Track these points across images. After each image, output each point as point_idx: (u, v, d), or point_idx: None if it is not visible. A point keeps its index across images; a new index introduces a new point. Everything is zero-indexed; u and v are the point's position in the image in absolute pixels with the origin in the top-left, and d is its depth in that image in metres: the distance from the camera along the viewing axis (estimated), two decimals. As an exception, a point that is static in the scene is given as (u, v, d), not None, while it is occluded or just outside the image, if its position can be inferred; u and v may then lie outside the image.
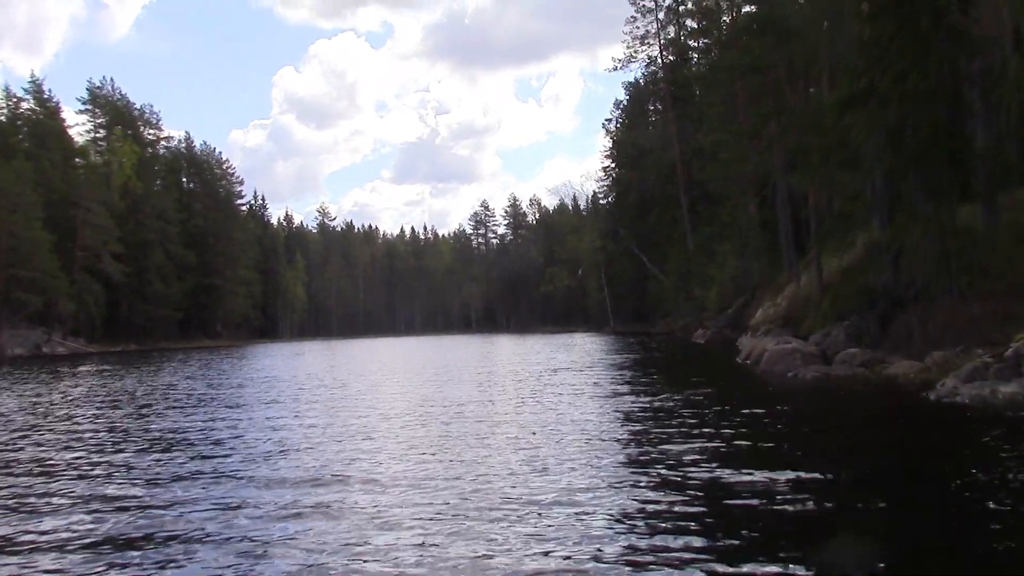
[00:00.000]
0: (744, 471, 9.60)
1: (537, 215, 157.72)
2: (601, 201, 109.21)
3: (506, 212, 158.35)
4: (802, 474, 9.40)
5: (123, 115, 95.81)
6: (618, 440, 12.39)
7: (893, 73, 23.04)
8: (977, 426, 12.29)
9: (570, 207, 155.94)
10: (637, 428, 13.36)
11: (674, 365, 31.07)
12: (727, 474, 9.56)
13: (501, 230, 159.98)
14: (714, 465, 10.06)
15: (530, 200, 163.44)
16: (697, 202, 67.09)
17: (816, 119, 25.69)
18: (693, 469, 9.89)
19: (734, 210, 51.31)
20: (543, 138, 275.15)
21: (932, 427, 12.90)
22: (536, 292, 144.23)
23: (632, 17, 71.52)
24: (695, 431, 12.61)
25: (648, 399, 17.15)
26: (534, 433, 13.13)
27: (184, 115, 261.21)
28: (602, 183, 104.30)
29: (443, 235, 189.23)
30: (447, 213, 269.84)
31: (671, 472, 9.79)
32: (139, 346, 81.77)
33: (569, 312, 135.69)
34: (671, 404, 16.12)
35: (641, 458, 10.77)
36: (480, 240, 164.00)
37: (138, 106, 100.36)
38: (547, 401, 17.63)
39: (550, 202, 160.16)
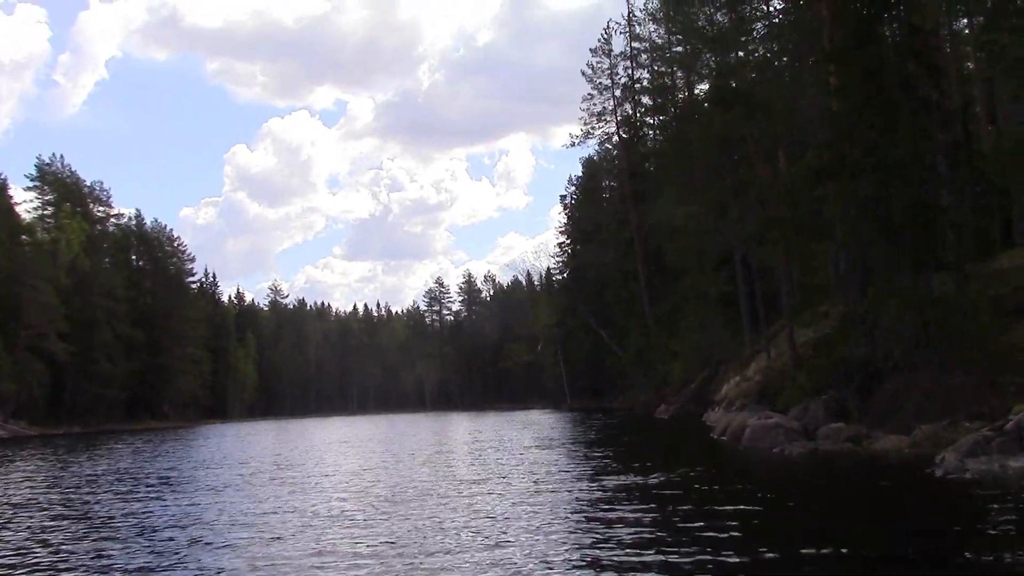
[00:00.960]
0: (768, 557, 8.81)
1: (492, 291, 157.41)
2: (556, 277, 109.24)
3: (460, 288, 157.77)
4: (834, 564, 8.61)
5: (72, 192, 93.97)
6: (622, 520, 11.51)
7: (864, 144, 22.96)
8: (999, 505, 11.52)
9: (524, 284, 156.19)
10: (637, 509, 12.52)
11: (648, 443, 30.29)
12: (751, 560, 8.77)
13: (456, 307, 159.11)
14: (731, 553, 9.25)
15: (485, 276, 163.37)
16: (655, 276, 67.04)
17: (786, 191, 25.50)
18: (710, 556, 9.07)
19: (695, 283, 51.11)
20: (495, 215, 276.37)
21: (953, 508, 12.12)
22: (491, 368, 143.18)
23: (589, 94, 72.09)
24: (698, 516, 11.80)
25: (637, 478, 16.33)
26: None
27: (135, 192, 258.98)
28: (558, 259, 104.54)
29: (396, 312, 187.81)
30: (400, 290, 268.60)
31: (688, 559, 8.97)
32: (83, 428, 79.01)
33: (525, 388, 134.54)
34: (663, 485, 15.33)
35: (651, 544, 9.93)
36: (434, 317, 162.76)
37: (88, 183, 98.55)
38: (521, 507, 13.90)
39: (505, 278, 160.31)
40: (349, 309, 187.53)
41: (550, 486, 16.04)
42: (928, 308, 22.37)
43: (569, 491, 15.17)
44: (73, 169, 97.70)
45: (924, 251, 23.14)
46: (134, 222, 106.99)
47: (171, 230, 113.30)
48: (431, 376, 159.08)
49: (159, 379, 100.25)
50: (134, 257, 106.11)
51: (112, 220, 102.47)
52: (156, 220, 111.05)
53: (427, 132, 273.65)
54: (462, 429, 50.78)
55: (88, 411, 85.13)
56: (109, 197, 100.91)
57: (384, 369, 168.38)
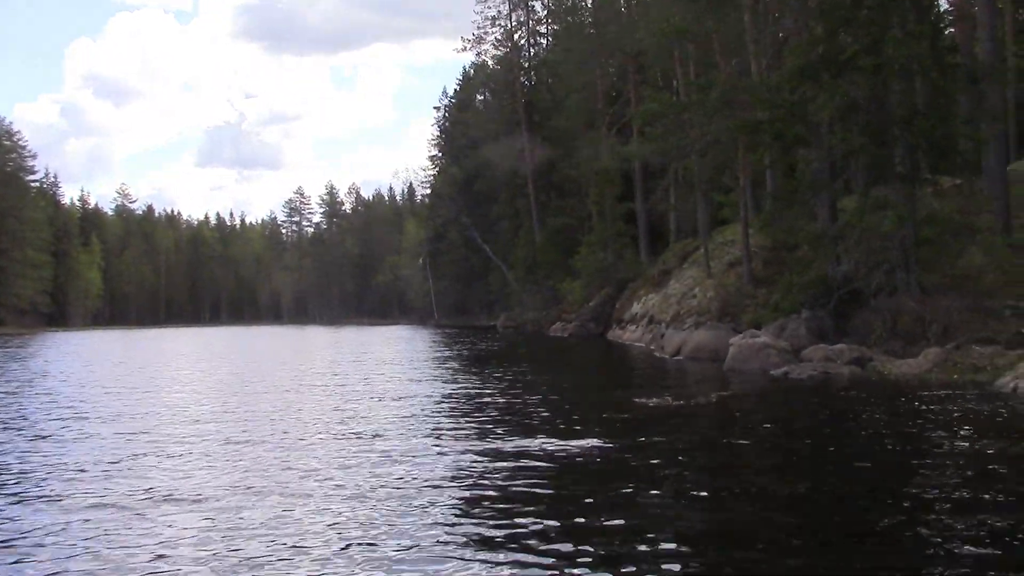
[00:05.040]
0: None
1: (354, 204, 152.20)
2: (427, 191, 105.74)
3: (322, 200, 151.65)
4: None
5: None
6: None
7: (864, 41, 20.90)
8: None
9: (387, 198, 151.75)
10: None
11: (597, 362, 28.11)
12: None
13: (316, 218, 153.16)
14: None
15: (348, 189, 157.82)
16: (543, 192, 64.91)
17: (762, 91, 23.26)
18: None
19: (599, 200, 49.23)
20: (355, 128, 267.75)
21: None
22: (352, 282, 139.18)
23: (483, -4, 68.42)
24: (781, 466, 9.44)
25: (674, 402, 13.90)
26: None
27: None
28: (428, 172, 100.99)
29: (251, 222, 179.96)
30: (252, 200, 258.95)
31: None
32: (-92, 333, 72.20)
33: (386, 305, 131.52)
34: (686, 411, 13.03)
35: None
36: (293, 228, 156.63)
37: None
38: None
39: (367, 192, 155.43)
40: (201, 218, 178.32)
41: (563, 427, 13.35)
42: (921, 226, 20.72)
43: (623, 419, 12.61)
44: None
45: (915, 162, 21.48)
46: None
47: (10, 123, 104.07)
48: (287, 289, 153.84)
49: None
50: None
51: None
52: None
53: (286, 38, 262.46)
54: (336, 345, 47.43)
55: (-86, 315, 77.79)
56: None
57: (238, 280, 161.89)
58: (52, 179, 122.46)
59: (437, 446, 10.43)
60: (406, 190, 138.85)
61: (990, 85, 22.03)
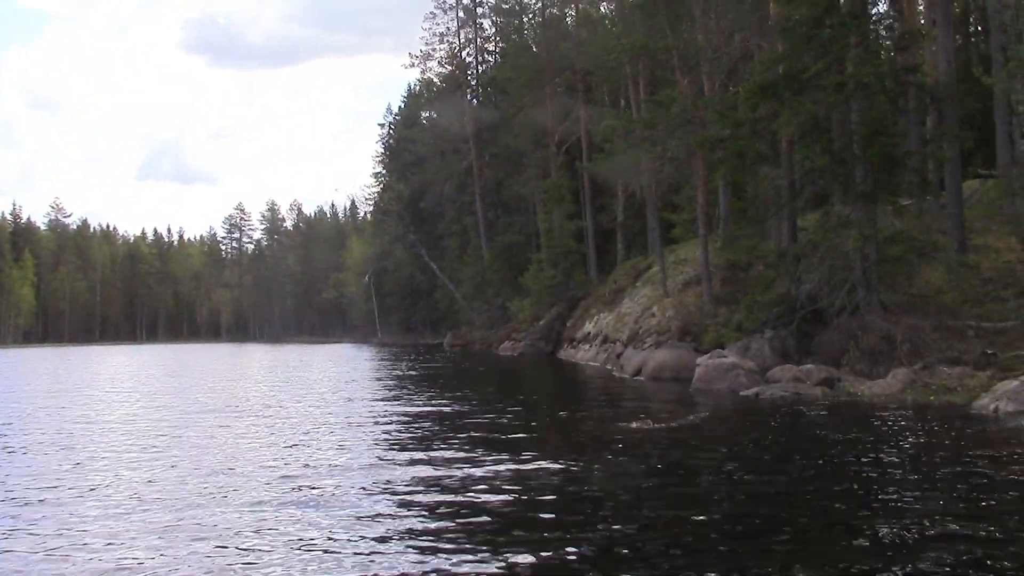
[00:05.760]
0: None
1: (295, 221, 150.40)
2: (370, 208, 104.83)
3: (263, 216, 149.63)
4: None
5: None
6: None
7: (827, 60, 20.82)
8: None
9: (328, 214, 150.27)
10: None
11: (546, 383, 27.70)
12: None
13: (257, 235, 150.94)
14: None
15: (290, 205, 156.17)
16: (491, 209, 64.55)
17: (724, 108, 23.09)
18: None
19: (549, 217, 49.02)
20: (296, 143, 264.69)
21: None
22: (293, 300, 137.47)
23: (431, 13, 67.94)
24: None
25: (657, 425, 13.44)
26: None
27: None
28: (372, 189, 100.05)
29: (190, 238, 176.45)
30: (191, 215, 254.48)
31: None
32: None
33: (328, 322, 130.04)
34: (671, 434, 12.61)
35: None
36: (234, 244, 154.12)
37: None
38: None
39: (310, 208, 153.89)
40: (138, 233, 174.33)
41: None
42: (883, 245, 20.62)
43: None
44: None
45: (878, 181, 21.40)
46: None
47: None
48: (227, 306, 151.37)
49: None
50: None
51: None
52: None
53: (228, 52, 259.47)
54: (281, 367, 46.36)
55: None
56: None
57: (176, 297, 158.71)
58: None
59: (413, 469, 9.90)
60: (349, 207, 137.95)
61: (946, 106, 22.12)
